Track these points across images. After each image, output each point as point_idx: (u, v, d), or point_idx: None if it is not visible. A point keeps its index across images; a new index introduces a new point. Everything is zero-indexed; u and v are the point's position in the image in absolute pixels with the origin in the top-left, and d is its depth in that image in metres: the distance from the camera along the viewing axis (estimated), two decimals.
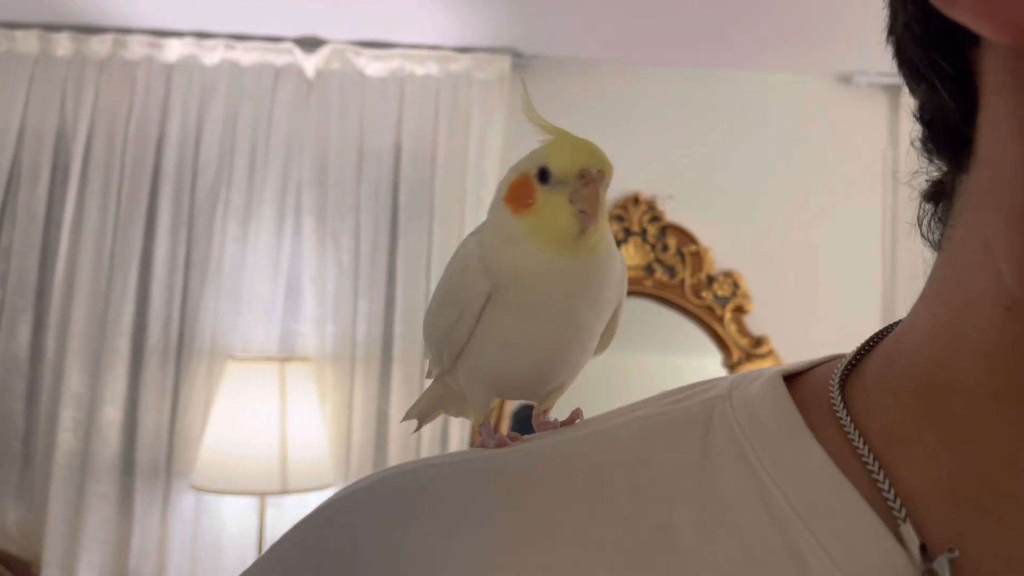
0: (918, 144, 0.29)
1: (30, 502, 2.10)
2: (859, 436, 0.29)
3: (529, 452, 0.33)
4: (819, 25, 2.06)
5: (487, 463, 0.33)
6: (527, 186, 0.39)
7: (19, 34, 2.18)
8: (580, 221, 0.37)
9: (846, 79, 2.38)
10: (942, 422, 0.28)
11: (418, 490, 0.32)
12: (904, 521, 0.27)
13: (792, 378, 0.33)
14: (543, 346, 0.39)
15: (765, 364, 2.24)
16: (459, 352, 0.41)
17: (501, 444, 0.36)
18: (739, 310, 2.28)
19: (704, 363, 2.30)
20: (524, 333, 0.39)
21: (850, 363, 0.32)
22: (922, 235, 0.30)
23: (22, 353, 2.12)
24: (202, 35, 2.22)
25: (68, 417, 2.06)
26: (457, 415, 0.50)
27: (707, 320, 2.26)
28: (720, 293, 2.28)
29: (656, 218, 2.30)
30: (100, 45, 2.19)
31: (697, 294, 2.27)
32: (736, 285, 2.28)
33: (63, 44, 2.19)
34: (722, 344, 2.27)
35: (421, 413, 0.50)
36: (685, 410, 0.33)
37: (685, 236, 2.30)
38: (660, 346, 2.40)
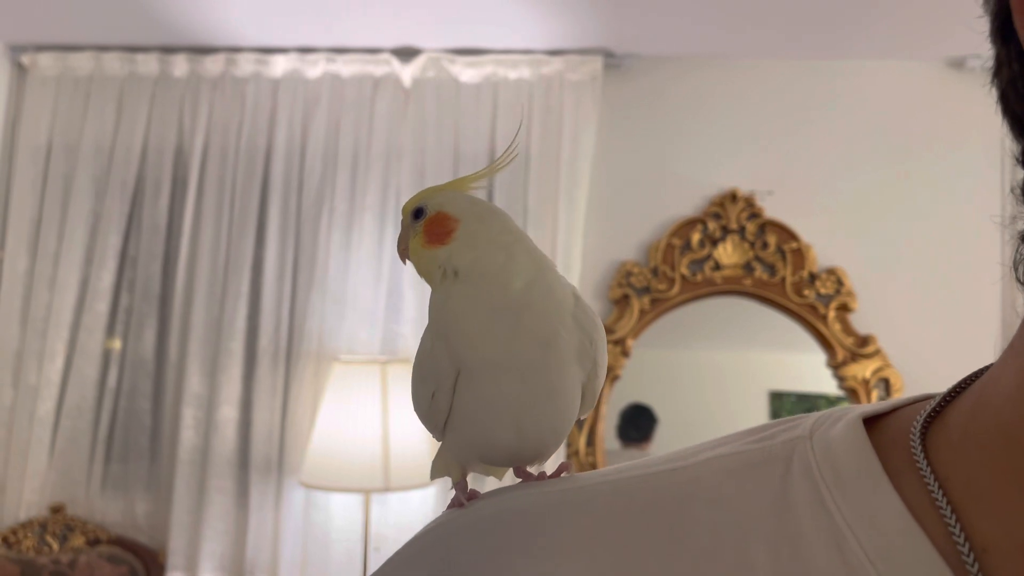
0: (1017, 191, 0.30)
1: (157, 495, 2.25)
2: (938, 487, 0.29)
3: (616, 485, 0.35)
4: (926, 7, 1.96)
5: (578, 496, 0.35)
6: None
7: (140, 57, 2.34)
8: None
9: (958, 64, 2.26)
10: None
11: (514, 520, 0.34)
12: (976, 575, 0.27)
13: (875, 420, 0.34)
14: (508, 401, 0.39)
15: (872, 364, 2.16)
16: (444, 424, 0.42)
17: (459, 504, 0.38)
18: (843, 308, 2.20)
19: (807, 359, 2.24)
20: (490, 391, 0.40)
21: (934, 409, 0.32)
22: (1018, 280, 0.30)
23: (148, 355, 2.28)
24: (305, 50, 2.32)
25: (189, 415, 2.20)
26: (487, 473, 0.48)
27: (810, 319, 2.20)
28: (823, 291, 2.21)
29: (755, 215, 2.25)
30: (213, 64, 2.32)
31: (799, 292, 2.21)
32: (840, 283, 2.21)
33: (180, 65, 2.33)
34: (826, 343, 2.20)
35: (442, 471, 0.50)
36: (766, 450, 0.34)
37: (785, 233, 2.24)
38: (761, 344, 2.35)
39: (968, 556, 0.27)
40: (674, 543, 0.31)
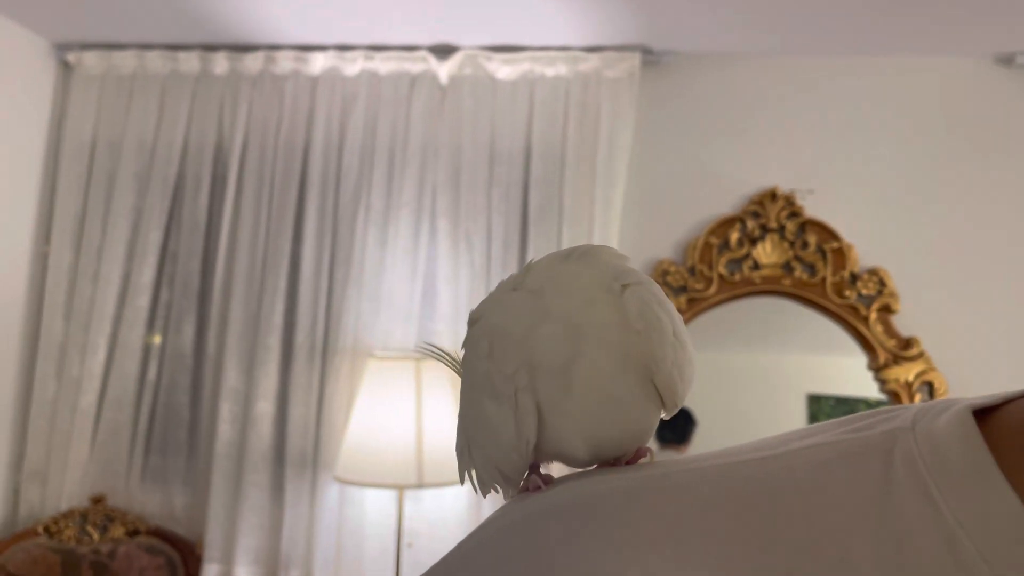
0: None
1: (194, 487, 2.27)
2: None
3: (702, 473, 0.33)
4: (975, 1, 1.92)
5: (662, 482, 0.33)
6: None
7: (182, 55, 2.37)
8: None
9: (1007, 60, 2.20)
10: None
11: (598, 506, 0.32)
12: None
13: (983, 412, 0.31)
14: (569, 412, 0.37)
15: (915, 367, 2.11)
16: (535, 436, 0.38)
17: (536, 488, 0.37)
18: (886, 309, 2.16)
19: (846, 362, 2.20)
20: (549, 400, 0.37)
21: None
22: None
23: (187, 350, 2.31)
24: (343, 47, 2.34)
25: (227, 410, 2.22)
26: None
27: (851, 320, 2.16)
28: (865, 292, 2.16)
29: (795, 214, 2.21)
30: (253, 62, 2.34)
31: (840, 293, 2.17)
32: (882, 283, 2.16)
33: (220, 63, 2.36)
34: (867, 345, 2.15)
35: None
36: (864, 440, 0.32)
37: (826, 232, 2.20)
38: (800, 346, 2.31)
39: None
40: (767, 534, 0.29)
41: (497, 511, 0.36)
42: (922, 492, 0.29)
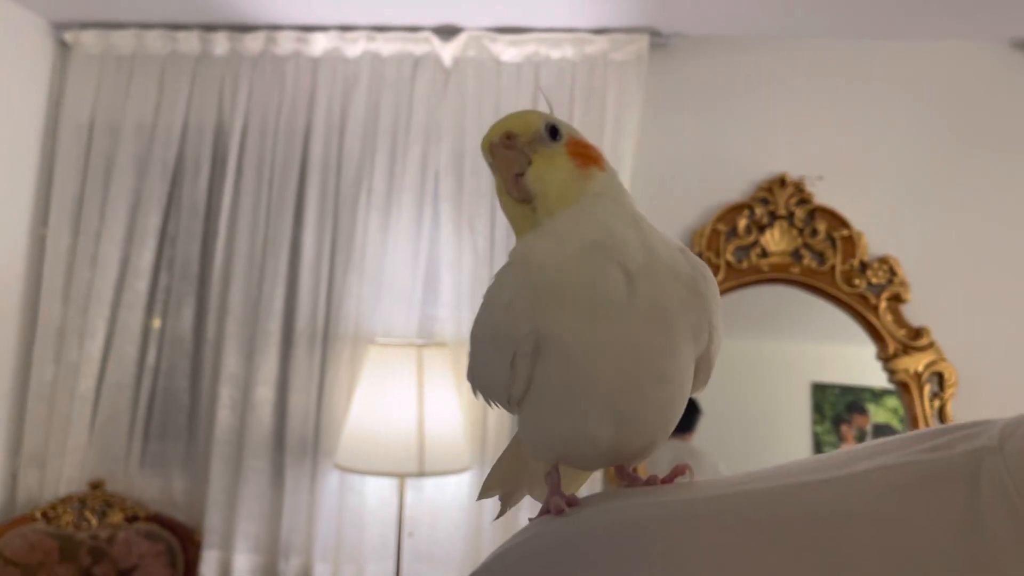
0: None
1: (194, 473, 2.25)
2: None
3: (754, 496, 0.30)
4: None
5: (709, 508, 0.30)
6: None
7: (181, 35, 2.33)
8: (506, 187, 0.37)
9: (1022, 45, 2.16)
10: None
11: (633, 535, 0.29)
12: None
13: None
14: (606, 383, 0.33)
15: (925, 357, 2.08)
16: (520, 398, 0.36)
17: (558, 510, 0.32)
18: (896, 299, 2.12)
19: (852, 351, 2.17)
20: (581, 368, 0.33)
21: None
22: None
23: (186, 335, 2.28)
24: (345, 28, 2.29)
25: (226, 395, 2.19)
26: (540, 498, 0.41)
27: (860, 309, 2.12)
28: (874, 280, 2.13)
29: (804, 201, 2.17)
30: (253, 43, 2.30)
31: (849, 282, 2.13)
32: (892, 272, 2.13)
33: (220, 43, 2.32)
34: (876, 335, 2.12)
35: (502, 486, 0.44)
36: (943, 461, 0.28)
37: (836, 219, 2.16)
38: (806, 335, 2.28)
39: None
40: (833, 569, 0.26)
41: (520, 534, 0.32)
42: (1017, 524, 0.25)
